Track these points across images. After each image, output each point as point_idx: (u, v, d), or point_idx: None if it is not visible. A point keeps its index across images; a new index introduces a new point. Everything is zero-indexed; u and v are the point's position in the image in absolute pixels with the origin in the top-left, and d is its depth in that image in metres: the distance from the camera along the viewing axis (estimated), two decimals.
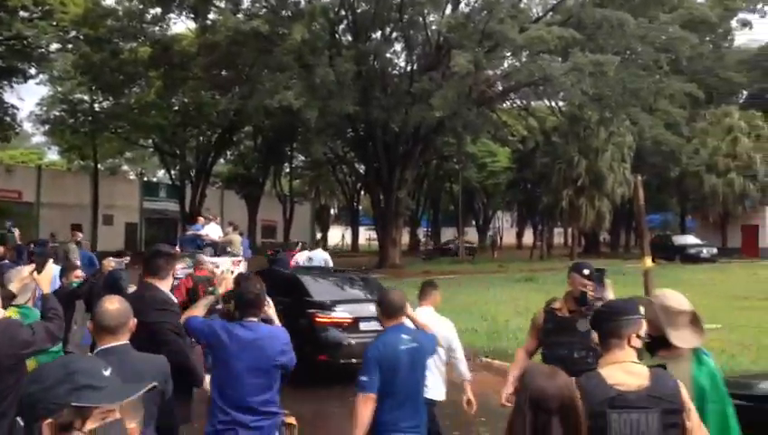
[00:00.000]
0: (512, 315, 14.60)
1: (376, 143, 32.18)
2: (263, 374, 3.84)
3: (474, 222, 60.69)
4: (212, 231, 15.41)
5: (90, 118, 36.70)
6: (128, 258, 9.39)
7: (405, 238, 48.44)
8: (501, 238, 63.29)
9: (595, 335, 2.88)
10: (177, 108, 37.40)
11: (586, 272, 4.34)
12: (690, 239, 38.08)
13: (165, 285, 4.19)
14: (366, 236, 60.03)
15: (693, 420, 2.60)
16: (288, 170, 49.77)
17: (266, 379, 3.86)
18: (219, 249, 14.37)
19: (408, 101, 27.84)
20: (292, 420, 4.14)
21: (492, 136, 41.32)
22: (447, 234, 58.93)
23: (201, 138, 41.57)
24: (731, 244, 41.25)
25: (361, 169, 39.96)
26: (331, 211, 67.73)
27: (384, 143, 32.00)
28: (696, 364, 3.00)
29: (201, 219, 16.55)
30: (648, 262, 16.98)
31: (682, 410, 2.56)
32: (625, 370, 2.60)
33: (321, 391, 8.28)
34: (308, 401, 7.64)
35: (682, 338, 2.99)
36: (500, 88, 33.20)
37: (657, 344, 3.03)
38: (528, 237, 54.60)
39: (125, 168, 57.46)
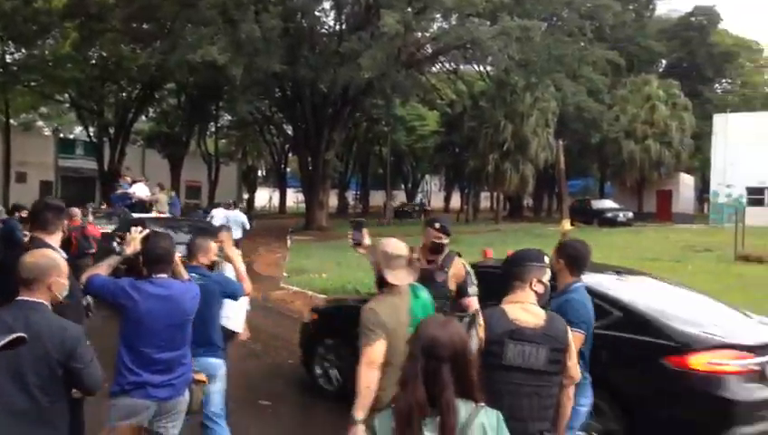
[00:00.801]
0: None
1: (304, 104, 31.68)
2: (174, 331, 3.75)
3: (402, 186, 61.05)
4: (140, 190, 16.67)
5: (0, 70, 34.70)
6: (25, 212, 9.02)
7: (334, 201, 48.33)
8: (429, 202, 64.05)
9: (452, 285, 3.80)
10: (94, 61, 35.86)
11: (437, 225, 4.77)
12: (608, 204, 39.41)
13: (53, 240, 4.00)
14: (294, 198, 59.51)
15: (572, 358, 3.00)
16: (214, 130, 48.59)
17: (178, 335, 3.77)
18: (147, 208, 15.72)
19: (336, 61, 27.44)
20: (201, 377, 4.06)
21: (421, 99, 41.42)
22: (376, 197, 59.09)
23: (121, 93, 40.05)
24: (646, 208, 42.98)
25: (289, 130, 39.38)
26: (259, 172, 66.73)
27: (312, 104, 31.55)
28: (413, 298, 3.56)
29: (128, 178, 17.41)
30: (567, 225, 17.53)
31: (566, 349, 2.94)
32: (524, 309, 2.94)
33: None
34: None
35: (397, 277, 3.47)
36: (429, 50, 33.16)
37: (381, 282, 3.52)
38: (456, 201, 55.36)
39: (40, 123, 54.73)
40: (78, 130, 51.29)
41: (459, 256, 4.92)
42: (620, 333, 4.87)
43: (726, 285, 13.66)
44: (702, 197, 51.41)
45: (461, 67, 40.46)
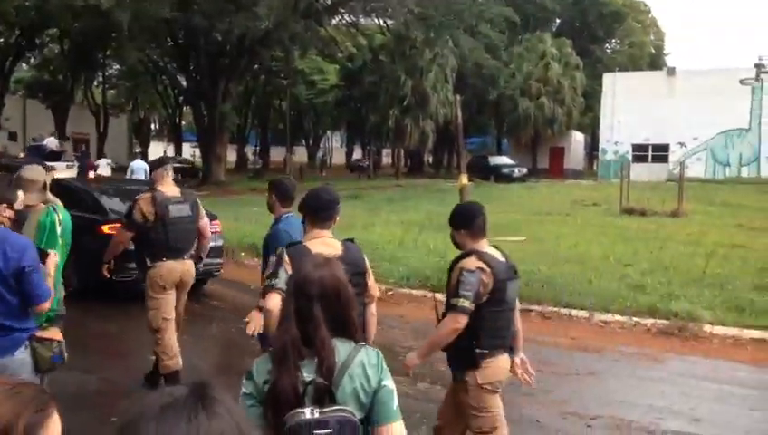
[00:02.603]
0: (335, 230, 14.65)
1: (198, 53, 30.34)
2: None
3: (304, 141, 60.10)
4: (51, 142, 24.41)
5: None
6: None
7: (232, 156, 47.03)
8: (330, 158, 63.48)
9: None
10: None
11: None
12: (504, 160, 40.46)
13: None
14: (190, 152, 57.38)
15: (371, 279, 3.50)
16: (101, 79, 45.84)
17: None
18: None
19: (231, 9, 26.28)
20: (50, 334, 3.69)
21: (320, 52, 40.55)
22: (276, 153, 57.95)
23: None
24: (540, 165, 44.48)
25: (183, 80, 37.67)
26: (152, 125, 63.75)
27: (207, 53, 30.25)
28: (44, 215, 4.05)
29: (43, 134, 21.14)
30: (464, 180, 17.85)
31: (365, 272, 3.39)
32: (323, 243, 3.27)
33: None
34: None
35: (29, 199, 3.95)
36: (328, 1, 32.41)
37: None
38: (357, 157, 55.16)
39: None
40: None
41: None
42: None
43: (610, 236, 14.33)
44: (592, 154, 53.72)
45: (361, 20, 39.82)
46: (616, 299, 8.52)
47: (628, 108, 36.96)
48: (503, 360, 3.52)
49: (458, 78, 38.05)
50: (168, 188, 5.41)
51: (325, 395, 1.90)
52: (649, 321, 7.85)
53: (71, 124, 41.19)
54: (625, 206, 19.21)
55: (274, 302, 3.04)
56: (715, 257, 10.79)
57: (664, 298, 8.51)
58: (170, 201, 5.31)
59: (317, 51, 39.22)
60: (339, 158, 63.30)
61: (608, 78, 39.94)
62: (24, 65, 42.71)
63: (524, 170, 37.96)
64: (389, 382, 2.02)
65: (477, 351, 3.39)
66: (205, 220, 5.68)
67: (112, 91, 50.53)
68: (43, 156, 18.25)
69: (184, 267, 5.41)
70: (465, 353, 3.42)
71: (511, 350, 3.61)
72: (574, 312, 8.26)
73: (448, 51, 35.80)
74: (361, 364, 1.98)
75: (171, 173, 5.53)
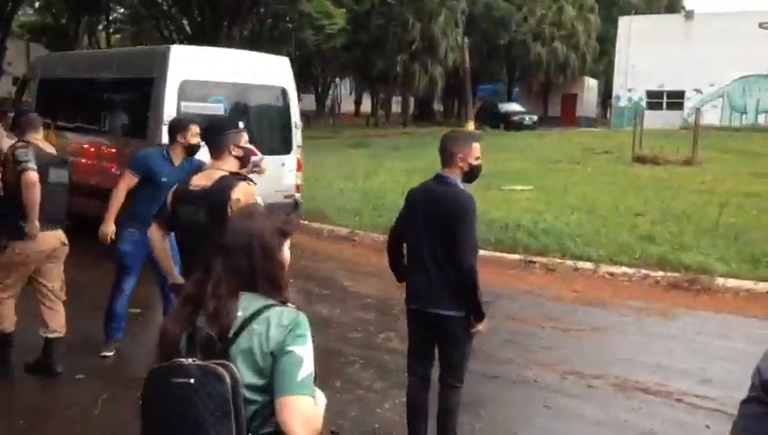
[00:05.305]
0: (336, 178, 14.32)
1: None
2: None
3: (312, 89, 59.10)
4: None
5: None
6: None
7: None
8: (339, 106, 62.58)
9: None
10: None
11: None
12: (514, 107, 39.53)
13: None
14: None
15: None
16: (105, 24, 45.01)
17: None
18: None
19: None
20: None
21: None
22: None
23: None
24: (552, 112, 43.55)
25: (187, 26, 36.81)
26: None
27: None
28: None
29: None
30: (471, 126, 17.28)
31: (224, 210, 3.07)
32: (206, 175, 3.29)
33: None
34: None
35: None
36: None
37: None
38: (367, 106, 54.32)
39: None
40: None
41: None
42: None
43: (621, 185, 13.91)
44: (606, 101, 52.55)
45: None
46: (624, 250, 8.16)
47: (644, 53, 35.85)
48: None
49: (468, 22, 36.97)
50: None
51: (211, 347, 1.71)
52: (659, 273, 7.49)
53: None
54: (637, 154, 18.72)
55: (152, 230, 3.38)
56: (729, 207, 10.41)
57: (675, 249, 8.14)
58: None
59: None
60: (348, 106, 62.40)
61: (623, 21, 38.64)
62: (29, 10, 41.87)
63: (535, 118, 37.13)
64: (299, 350, 1.72)
65: None
66: None
67: (117, 36, 49.69)
68: None
69: None
70: None
71: None
72: (580, 263, 7.90)
73: None
74: (266, 322, 1.75)
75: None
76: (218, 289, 1.77)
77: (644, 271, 7.56)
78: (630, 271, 7.61)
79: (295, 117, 8.69)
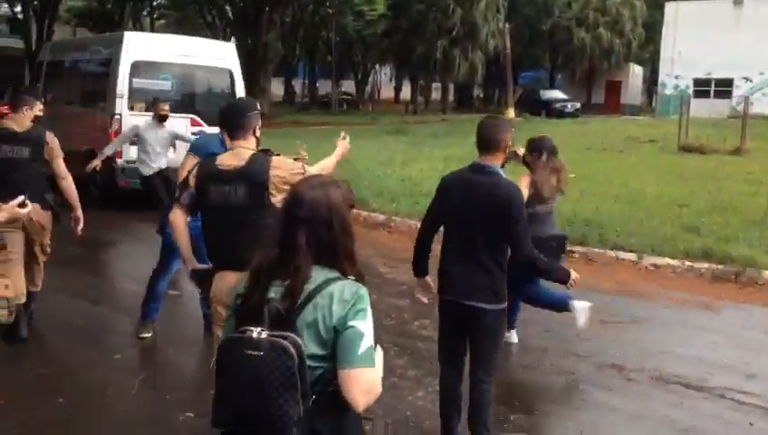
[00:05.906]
0: (374, 164, 14.28)
1: None
2: None
3: (353, 75, 59.07)
4: None
5: None
6: None
7: (280, 90, 46.64)
8: (379, 92, 62.48)
9: None
10: None
11: None
12: (556, 94, 38.93)
13: None
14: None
15: (279, 196, 3.08)
16: (149, 9, 45.63)
17: None
18: None
19: None
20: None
21: None
22: (325, 86, 57.21)
23: None
24: (595, 100, 42.76)
25: (230, 12, 37.12)
26: None
27: None
28: None
29: None
30: (511, 113, 16.99)
31: (265, 186, 3.12)
32: (233, 154, 3.26)
33: None
34: None
35: None
36: None
37: None
38: (407, 93, 54.13)
39: None
40: (4, 7, 47.63)
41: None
42: None
43: (665, 175, 13.57)
44: (651, 89, 51.39)
45: None
46: (668, 241, 7.95)
47: (691, 39, 34.87)
48: None
49: (510, 7, 36.49)
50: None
51: (280, 318, 1.82)
52: (704, 265, 7.28)
53: None
54: (683, 143, 18.24)
55: (175, 215, 3.30)
56: None
57: (720, 241, 7.90)
58: None
59: None
60: (388, 92, 62.20)
61: (670, 7, 37.62)
62: None
63: (578, 105, 36.51)
64: (360, 324, 1.83)
65: None
66: None
67: (162, 22, 50.34)
68: None
69: None
70: None
71: None
72: (622, 254, 7.72)
73: None
74: (330, 296, 1.85)
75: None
76: (298, 262, 1.86)
77: (688, 263, 7.35)
78: (674, 262, 7.40)
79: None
